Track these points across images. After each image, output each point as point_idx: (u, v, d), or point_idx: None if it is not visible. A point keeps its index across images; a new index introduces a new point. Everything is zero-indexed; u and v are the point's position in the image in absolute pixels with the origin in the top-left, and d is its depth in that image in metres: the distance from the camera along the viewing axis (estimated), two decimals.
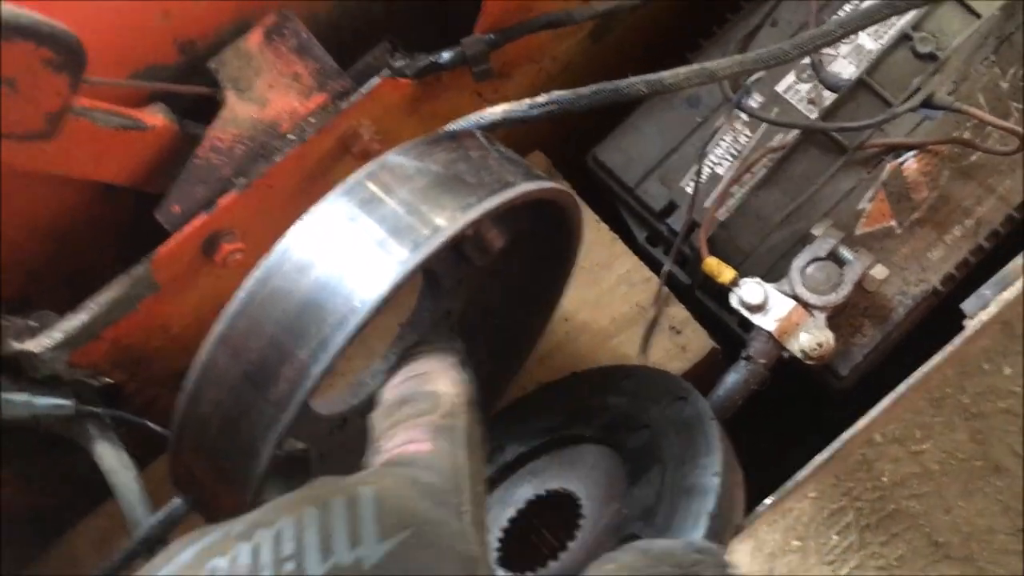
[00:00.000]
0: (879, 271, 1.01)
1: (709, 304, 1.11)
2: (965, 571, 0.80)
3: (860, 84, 1.03)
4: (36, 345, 0.89)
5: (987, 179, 1.06)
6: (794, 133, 1.07)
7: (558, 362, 1.07)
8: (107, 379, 0.97)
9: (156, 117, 0.90)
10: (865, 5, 1.10)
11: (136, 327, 0.94)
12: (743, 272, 1.02)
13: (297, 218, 0.74)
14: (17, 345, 0.89)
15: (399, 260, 0.71)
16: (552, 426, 0.98)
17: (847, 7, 1.14)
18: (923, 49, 1.03)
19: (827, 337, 0.98)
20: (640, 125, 1.16)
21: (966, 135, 1.07)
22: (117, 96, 0.89)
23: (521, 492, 0.94)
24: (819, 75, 1.06)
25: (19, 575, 1.06)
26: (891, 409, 0.85)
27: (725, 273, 1.02)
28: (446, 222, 0.73)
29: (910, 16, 1.06)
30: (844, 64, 1.11)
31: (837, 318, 1.02)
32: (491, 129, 0.83)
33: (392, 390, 0.73)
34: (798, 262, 1.00)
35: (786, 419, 1.15)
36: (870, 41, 1.11)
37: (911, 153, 1.07)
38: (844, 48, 1.12)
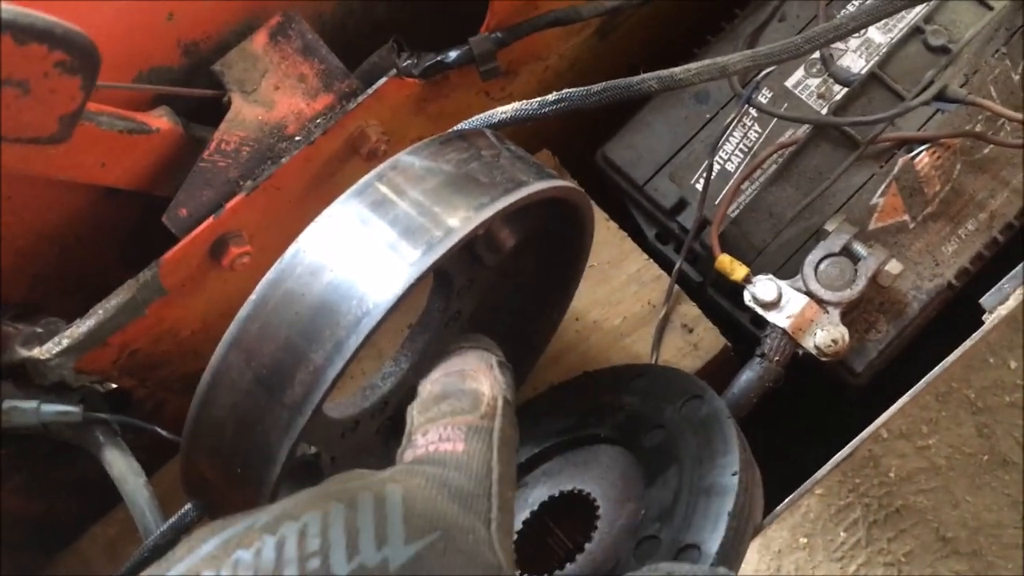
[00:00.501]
0: (893, 266, 1.00)
1: (721, 302, 1.10)
2: (973, 566, 0.80)
3: (872, 78, 1.02)
4: (43, 352, 0.88)
5: (1000, 172, 1.06)
6: (805, 128, 1.06)
7: (569, 362, 1.06)
8: (114, 385, 0.96)
9: (161, 120, 0.90)
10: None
11: (144, 332, 0.94)
12: (756, 269, 1.02)
13: (305, 220, 0.73)
14: (24, 352, 0.88)
15: (411, 262, 0.70)
16: (565, 427, 0.97)
17: (854, 2, 1.14)
18: (935, 42, 1.02)
19: (842, 333, 0.97)
20: (649, 122, 1.15)
21: (978, 128, 1.06)
22: (121, 99, 0.88)
23: (535, 494, 0.92)
24: (829, 70, 1.05)
25: None
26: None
27: (738, 270, 1.01)
28: (459, 223, 0.72)
29: (921, 9, 1.05)
30: (854, 58, 1.11)
31: (851, 314, 1.01)
32: (502, 128, 0.82)
33: (432, 384, 0.71)
34: (811, 258, 0.99)
35: (801, 416, 1.14)
36: (879, 35, 1.11)
37: (923, 147, 1.06)
38: (853, 42, 1.12)
